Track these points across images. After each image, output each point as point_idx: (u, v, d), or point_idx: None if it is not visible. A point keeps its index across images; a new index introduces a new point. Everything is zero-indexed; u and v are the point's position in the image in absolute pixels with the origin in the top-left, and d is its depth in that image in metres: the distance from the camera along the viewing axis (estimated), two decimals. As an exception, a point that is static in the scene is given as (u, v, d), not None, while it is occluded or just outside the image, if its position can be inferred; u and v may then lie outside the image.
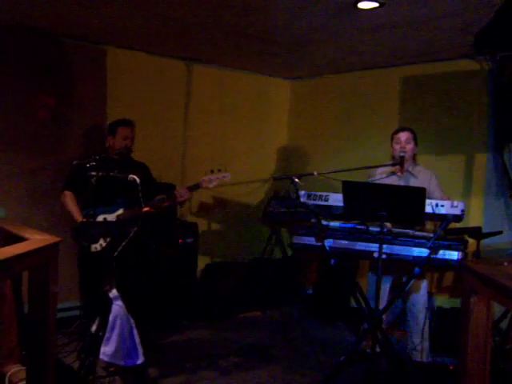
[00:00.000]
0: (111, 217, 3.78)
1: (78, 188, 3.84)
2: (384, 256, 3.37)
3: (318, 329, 4.89)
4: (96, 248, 3.71)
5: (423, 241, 3.39)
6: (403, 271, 3.86)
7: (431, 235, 3.40)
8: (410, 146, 3.87)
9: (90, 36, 4.53)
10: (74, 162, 3.63)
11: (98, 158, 3.49)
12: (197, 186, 3.88)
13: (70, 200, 3.87)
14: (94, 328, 3.24)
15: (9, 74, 4.27)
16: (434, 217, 3.40)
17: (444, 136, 4.77)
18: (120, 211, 3.78)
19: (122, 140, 3.90)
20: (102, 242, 3.71)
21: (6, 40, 4.23)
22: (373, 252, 3.46)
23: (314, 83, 6.00)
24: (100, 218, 3.75)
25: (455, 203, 3.30)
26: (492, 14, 3.41)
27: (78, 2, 3.55)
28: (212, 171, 3.90)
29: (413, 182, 3.86)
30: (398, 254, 3.45)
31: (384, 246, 3.35)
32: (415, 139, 3.91)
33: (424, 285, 3.92)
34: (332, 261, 3.59)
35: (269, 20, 3.85)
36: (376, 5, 3.37)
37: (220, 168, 3.94)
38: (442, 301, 4.59)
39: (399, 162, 3.80)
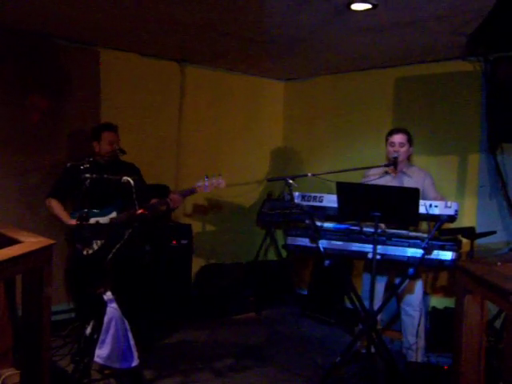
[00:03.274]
0: (104, 220, 3.77)
1: (67, 193, 3.82)
2: (378, 257, 3.38)
3: (313, 329, 4.90)
4: (88, 251, 3.69)
5: (417, 241, 3.40)
6: (398, 271, 3.87)
7: (425, 236, 3.41)
8: (403, 149, 3.87)
9: (83, 37, 4.52)
10: (68, 164, 3.63)
11: (91, 159, 3.48)
12: (192, 192, 3.88)
13: (56, 206, 3.85)
14: (88, 331, 3.23)
15: (1, 74, 4.25)
16: (428, 217, 3.41)
17: (437, 136, 4.79)
18: (113, 214, 3.77)
19: (108, 145, 3.88)
20: (94, 244, 3.70)
21: (-1, 41, 4.22)
22: (367, 253, 3.47)
23: (308, 84, 6.01)
24: (93, 221, 3.74)
25: (449, 203, 3.31)
26: (484, 15, 3.42)
27: (70, 3, 3.54)
28: (207, 177, 3.89)
29: (406, 182, 3.87)
30: (392, 255, 3.46)
31: (378, 246, 3.37)
32: (410, 141, 3.92)
33: (419, 285, 3.93)
34: (326, 262, 3.60)
35: (262, 21, 3.85)
36: (369, 6, 3.37)
37: (214, 173, 3.94)
38: (436, 301, 4.60)
39: (393, 163, 3.82)
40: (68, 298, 4.45)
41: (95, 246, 3.70)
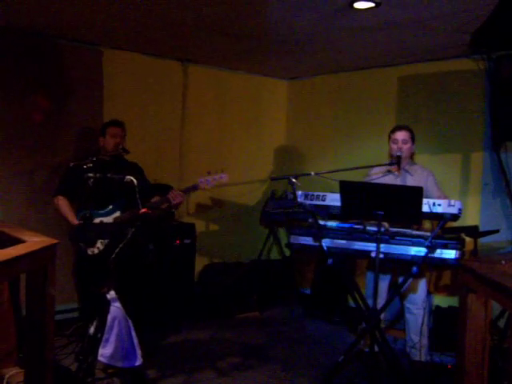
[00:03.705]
0: (108, 219, 3.77)
1: (73, 191, 3.83)
2: (381, 255, 3.37)
3: (317, 328, 4.90)
4: (93, 251, 3.70)
5: (421, 240, 3.39)
6: (401, 270, 3.87)
7: (428, 234, 3.40)
8: (406, 146, 3.87)
9: (86, 37, 4.52)
10: (71, 164, 3.63)
11: (94, 159, 3.48)
12: (194, 188, 3.87)
13: (64, 204, 3.87)
14: (92, 330, 3.23)
15: (4, 75, 4.26)
16: (431, 216, 3.40)
17: (441, 135, 4.78)
18: (117, 214, 3.78)
19: (111, 138, 3.91)
20: (99, 244, 3.71)
21: (1, 42, 4.21)
22: (370, 251, 3.46)
23: (311, 83, 6.00)
24: (97, 221, 3.74)
25: (452, 202, 3.30)
26: (488, 13, 3.41)
27: (73, 3, 3.54)
28: (209, 172, 3.89)
29: (409, 181, 3.86)
30: (395, 254, 3.45)
31: (381, 245, 3.36)
32: (413, 138, 3.92)
33: (423, 284, 3.93)
34: (329, 260, 3.59)
35: (265, 20, 3.85)
36: (372, 5, 3.37)
37: (217, 169, 3.94)
38: (439, 299, 4.59)
39: (396, 162, 3.81)
40: (76, 298, 4.47)
41: (100, 246, 3.70)
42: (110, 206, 3.79)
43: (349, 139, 5.57)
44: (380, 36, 4.12)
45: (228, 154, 5.79)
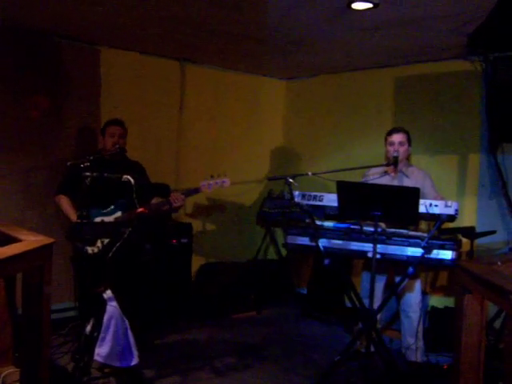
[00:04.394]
0: (109, 219, 3.76)
1: (72, 190, 3.83)
2: (378, 256, 3.38)
3: (313, 328, 4.90)
4: (93, 250, 3.69)
5: (417, 240, 3.40)
6: (397, 270, 3.87)
7: (425, 235, 3.41)
8: (403, 148, 3.88)
9: (84, 36, 4.52)
10: (68, 163, 3.62)
11: (92, 158, 3.48)
12: (196, 191, 3.88)
13: (65, 203, 3.87)
14: (88, 329, 3.23)
15: (1, 73, 4.25)
16: (428, 216, 3.41)
17: (437, 136, 4.79)
18: (119, 213, 3.77)
19: (109, 137, 3.91)
20: (99, 243, 3.70)
21: (-1, 40, 4.21)
22: (367, 252, 3.47)
23: (308, 83, 6.01)
24: (98, 220, 3.74)
25: (449, 203, 3.31)
26: (485, 14, 3.42)
27: (71, 1, 3.53)
28: (211, 176, 3.90)
29: (406, 182, 3.87)
30: (391, 254, 3.46)
31: (378, 245, 3.36)
32: (409, 140, 3.92)
33: (418, 284, 3.94)
34: (326, 261, 3.60)
35: (263, 20, 3.85)
36: (370, 6, 3.37)
37: (219, 173, 3.94)
38: (435, 300, 4.60)
39: (393, 163, 3.81)
40: (72, 297, 4.45)
41: (100, 245, 3.70)
42: (112, 206, 3.79)
43: (346, 140, 5.58)
44: (377, 37, 4.12)
45: (225, 153, 5.79)
